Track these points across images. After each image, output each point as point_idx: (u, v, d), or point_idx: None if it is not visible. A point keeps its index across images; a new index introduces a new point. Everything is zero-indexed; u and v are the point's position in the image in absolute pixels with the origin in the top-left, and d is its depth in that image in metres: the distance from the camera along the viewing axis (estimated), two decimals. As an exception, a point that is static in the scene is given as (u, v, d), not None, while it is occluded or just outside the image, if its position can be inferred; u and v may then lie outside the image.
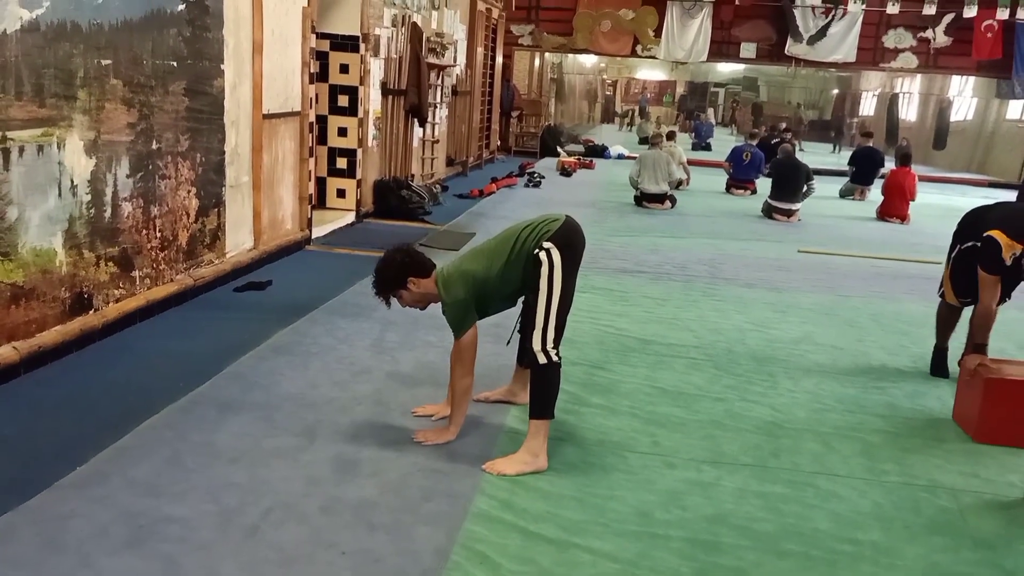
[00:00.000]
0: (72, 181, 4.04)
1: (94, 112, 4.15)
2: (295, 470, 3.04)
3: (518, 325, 3.51)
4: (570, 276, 3.27)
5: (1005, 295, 4.37)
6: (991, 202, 4.66)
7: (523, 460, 3.18)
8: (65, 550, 2.47)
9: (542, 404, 3.22)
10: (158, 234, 4.79)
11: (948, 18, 15.76)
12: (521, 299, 3.42)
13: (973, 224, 4.41)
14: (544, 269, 3.21)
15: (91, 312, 4.24)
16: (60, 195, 3.96)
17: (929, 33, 16.14)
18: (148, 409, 3.45)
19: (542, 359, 3.20)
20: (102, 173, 4.25)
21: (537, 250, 3.23)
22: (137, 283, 4.62)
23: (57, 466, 2.93)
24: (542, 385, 3.23)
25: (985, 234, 4.15)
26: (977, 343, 4.20)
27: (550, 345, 3.21)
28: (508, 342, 3.87)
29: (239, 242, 5.81)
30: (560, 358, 3.24)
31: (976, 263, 4.23)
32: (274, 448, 3.20)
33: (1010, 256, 4.06)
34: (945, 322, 4.71)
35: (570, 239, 3.30)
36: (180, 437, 3.23)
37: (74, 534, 2.55)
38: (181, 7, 4.82)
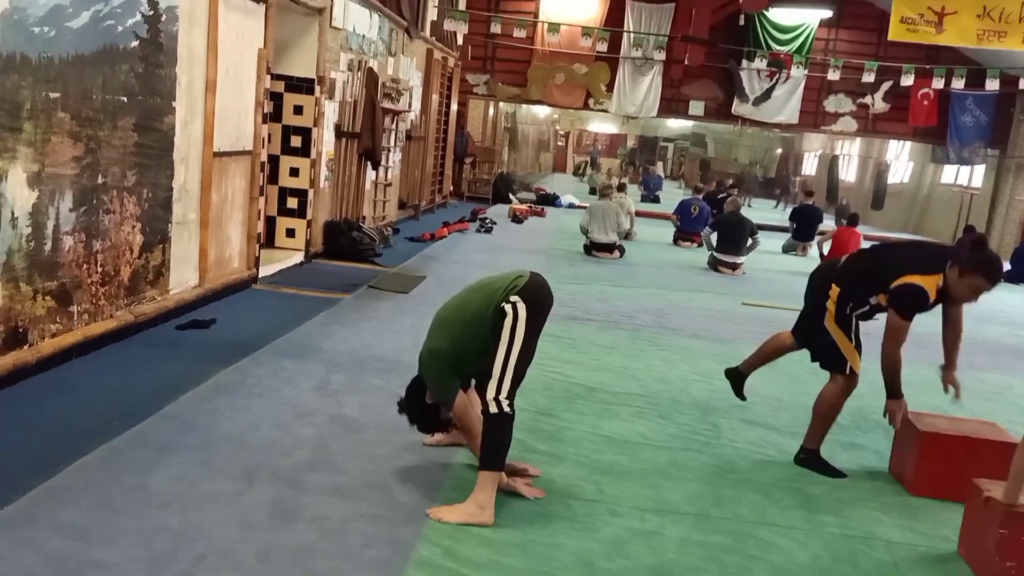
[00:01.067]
0: (13, 213, 3.94)
1: (39, 144, 4.08)
2: (231, 515, 2.96)
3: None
4: (533, 331, 3.28)
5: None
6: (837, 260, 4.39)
7: (468, 511, 3.12)
8: (-15, 595, 2.37)
9: (491, 455, 3.18)
10: (99, 269, 4.69)
11: (886, 85, 16.45)
12: None
13: (845, 277, 4.11)
14: (508, 320, 3.22)
15: (25, 347, 4.11)
16: (-1, 227, 3.86)
17: (868, 99, 16.81)
18: (80, 449, 3.34)
19: (493, 408, 3.16)
20: (44, 206, 4.16)
21: (504, 303, 3.25)
22: (75, 318, 4.50)
23: (-19, 507, 2.82)
24: (492, 436, 3.18)
25: (900, 283, 3.87)
26: (892, 389, 3.97)
27: (503, 395, 3.17)
28: None
29: (184, 279, 5.71)
30: (513, 410, 3.19)
31: (859, 314, 4.03)
32: (210, 492, 3.11)
33: (935, 290, 3.88)
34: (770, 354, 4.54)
35: (537, 293, 3.33)
36: (112, 479, 3.13)
37: (-5, 579, 2.45)
38: (135, 43, 4.79)
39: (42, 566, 2.52)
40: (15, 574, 2.47)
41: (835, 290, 4.06)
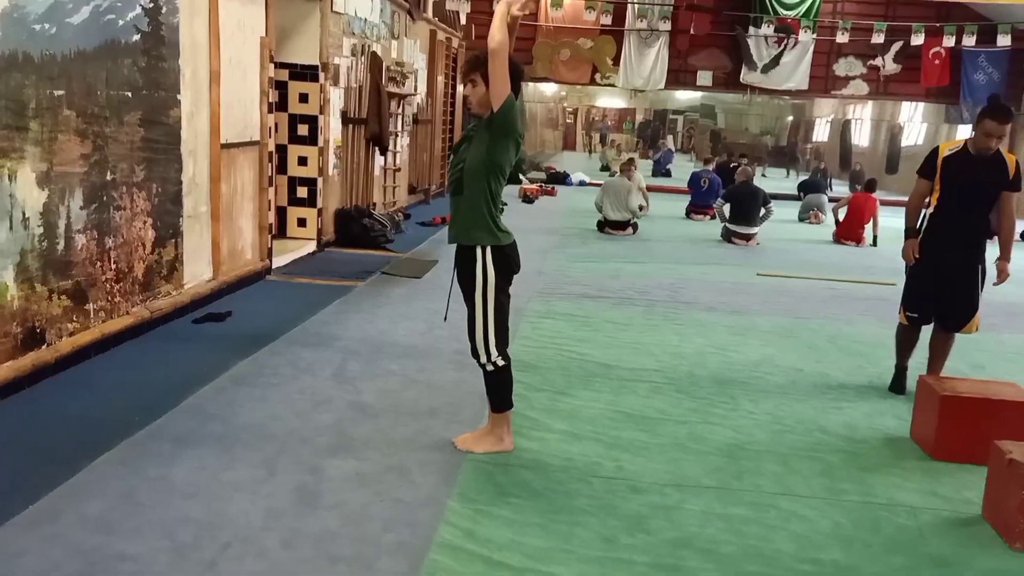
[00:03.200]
0: (24, 213, 3.96)
1: (47, 143, 4.09)
2: (254, 503, 2.98)
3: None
4: (503, 288, 3.46)
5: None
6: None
7: (491, 443, 3.53)
8: (14, 592, 2.40)
9: (499, 400, 3.54)
10: (113, 266, 4.71)
11: (896, 46, 16.20)
12: None
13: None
14: (478, 281, 3.39)
15: (44, 347, 4.14)
16: (11, 228, 3.88)
17: (878, 61, 16.58)
18: (102, 444, 3.37)
19: (490, 367, 3.48)
20: (55, 205, 4.18)
21: (477, 247, 3.42)
22: (91, 316, 4.53)
23: (8, 504, 2.85)
24: (495, 386, 3.51)
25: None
26: (907, 228, 4.76)
27: (494, 355, 3.45)
28: (445, 317, 4.14)
29: (198, 273, 5.73)
30: (508, 359, 3.48)
31: None
32: (232, 481, 3.14)
33: (947, 149, 4.62)
34: (903, 343, 4.84)
35: (509, 259, 3.50)
36: (134, 472, 3.16)
37: (25, 573, 2.48)
38: (136, 37, 4.78)
39: (68, 560, 2.55)
40: (42, 568, 2.50)
41: None
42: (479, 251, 3.40)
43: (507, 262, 3.45)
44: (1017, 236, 4.97)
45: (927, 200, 4.70)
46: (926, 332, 4.82)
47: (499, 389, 3.51)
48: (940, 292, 4.62)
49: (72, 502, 2.91)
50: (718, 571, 2.75)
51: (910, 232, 4.72)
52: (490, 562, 2.71)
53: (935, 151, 4.65)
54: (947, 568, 2.88)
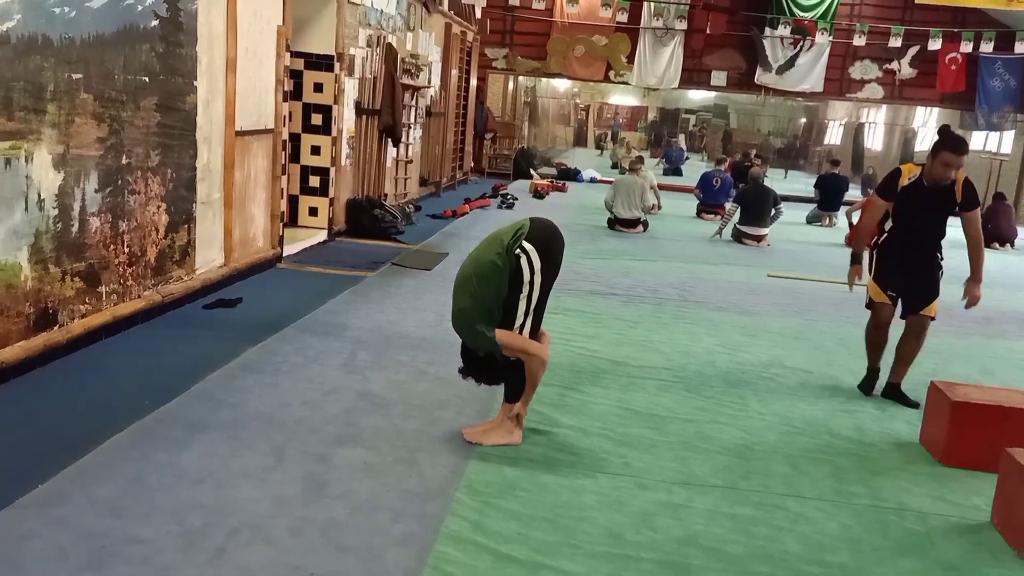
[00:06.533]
0: (39, 195, 3.97)
1: (63, 126, 4.10)
2: (263, 490, 2.99)
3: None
4: (549, 275, 3.47)
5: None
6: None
7: (499, 436, 3.55)
8: (23, 572, 2.41)
9: (516, 390, 3.56)
10: (126, 249, 4.73)
11: (913, 50, 16.13)
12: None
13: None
14: (525, 271, 3.41)
15: (56, 328, 4.16)
16: (27, 209, 3.89)
17: (895, 65, 16.50)
18: (112, 428, 3.38)
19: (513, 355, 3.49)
20: (70, 187, 4.19)
21: (516, 249, 3.41)
22: (103, 299, 4.55)
23: (17, 485, 2.86)
24: (515, 375, 3.53)
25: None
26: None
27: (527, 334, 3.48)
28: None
29: (209, 259, 5.75)
30: None
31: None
32: (241, 468, 3.15)
33: (907, 175, 4.54)
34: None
35: (545, 237, 3.49)
36: (144, 457, 3.17)
37: (33, 555, 2.48)
38: (155, 23, 4.79)
39: (77, 543, 2.56)
40: (50, 552, 2.51)
41: None
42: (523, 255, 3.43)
43: (540, 237, 3.47)
44: None
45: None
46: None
47: (518, 377, 3.53)
48: (905, 274, 4.63)
49: (81, 485, 2.92)
50: (725, 570, 2.75)
51: (857, 259, 4.77)
52: (497, 555, 2.71)
53: (897, 173, 4.63)
54: (956, 574, 2.87)
